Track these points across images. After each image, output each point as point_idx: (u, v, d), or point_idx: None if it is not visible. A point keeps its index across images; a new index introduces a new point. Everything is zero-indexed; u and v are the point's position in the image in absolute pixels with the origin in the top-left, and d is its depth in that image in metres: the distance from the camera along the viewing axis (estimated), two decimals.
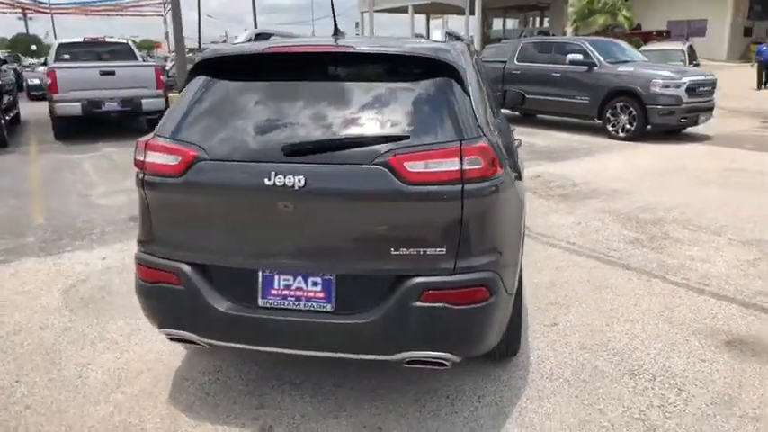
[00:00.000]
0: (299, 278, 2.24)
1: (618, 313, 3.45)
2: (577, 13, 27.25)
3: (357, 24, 46.85)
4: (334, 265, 2.21)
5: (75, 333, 3.30)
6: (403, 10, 40.16)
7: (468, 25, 34.78)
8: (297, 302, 2.24)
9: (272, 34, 11.49)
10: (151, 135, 2.40)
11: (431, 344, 2.19)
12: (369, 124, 2.19)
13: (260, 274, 2.27)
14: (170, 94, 11.35)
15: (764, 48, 17.98)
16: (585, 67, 10.41)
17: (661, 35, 24.20)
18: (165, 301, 2.37)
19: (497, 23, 50.33)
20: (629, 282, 3.91)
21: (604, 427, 2.42)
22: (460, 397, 2.64)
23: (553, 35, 35.19)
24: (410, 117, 2.19)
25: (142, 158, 2.33)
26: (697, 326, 3.28)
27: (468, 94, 2.26)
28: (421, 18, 47.91)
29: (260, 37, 11.27)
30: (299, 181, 2.07)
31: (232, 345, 2.42)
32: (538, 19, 50.26)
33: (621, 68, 10.18)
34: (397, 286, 2.15)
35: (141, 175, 2.34)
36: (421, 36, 2.89)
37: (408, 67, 2.32)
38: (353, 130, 2.17)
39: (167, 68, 17.78)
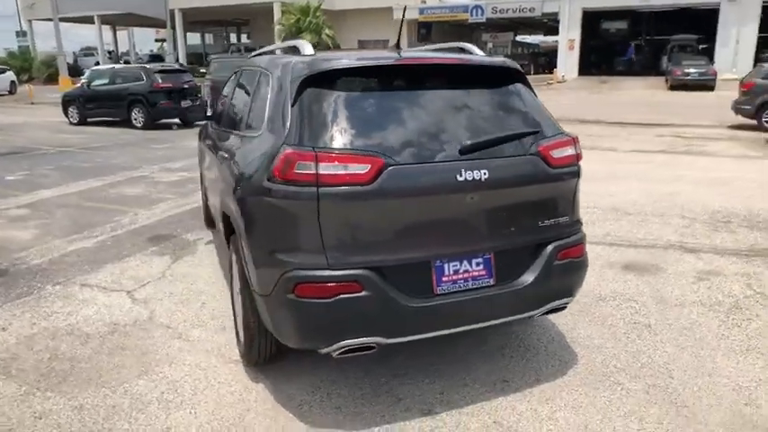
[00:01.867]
0: (465, 261, 2.52)
1: None
2: (286, 30, 29.00)
3: (19, 33, 39.91)
4: (494, 244, 2.57)
5: None
6: (88, 20, 36.03)
7: (174, 39, 33.31)
8: (465, 284, 2.52)
9: None
10: (289, 148, 2.32)
11: (565, 292, 2.76)
12: (501, 122, 2.62)
13: (433, 264, 2.47)
14: None
15: None
16: None
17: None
18: (348, 312, 2.32)
19: (193, 38, 49.23)
20: None
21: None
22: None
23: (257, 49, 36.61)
24: (523, 115, 2.70)
25: (313, 171, 2.24)
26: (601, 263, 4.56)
27: (536, 95, 2.88)
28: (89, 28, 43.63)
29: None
30: (484, 174, 2.39)
31: (414, 338, 2.51)
32: (234, 35, 51.03)
33: None
34: (540, 252, 2.65)
35: (312, 189, 2.25)
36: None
37: (497, 75, 2.81)
38: (500, 128, 2.57)
39: None
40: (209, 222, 5.42)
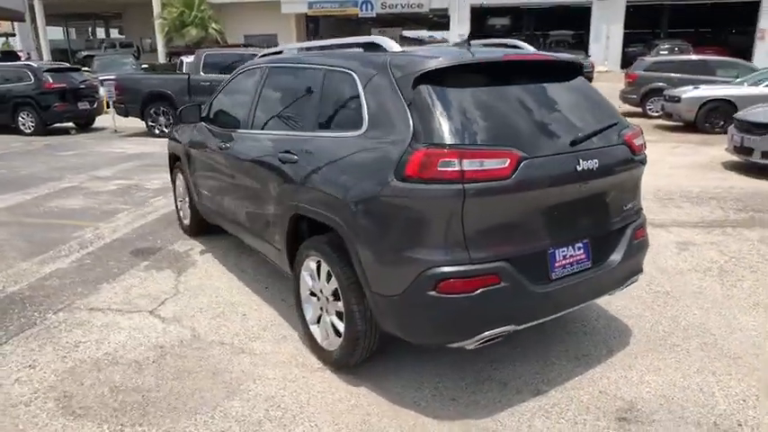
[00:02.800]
0: (570, 247, 2.69)
1: None
2: (170, 25, 27.31)
3: None
4: (591, 229, 2.77)
5: None
6: None
7: (36, 34, 29.95)
8: (571, 268, 2.69)
9: None
10: (423, 146, 2.34)
11: (639, 268, 3.05)
12: (590, 114, 2.83)
13: (548, 252, 2.61)
14: None
15: None
16: None
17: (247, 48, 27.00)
18: (489, 304, 2.39)
19: (54, 32, 44.67)
20: None
21: None
22: None
23: (137, 46, 34.03)
24: (600, 106, 2.94)
25: (458, 168, 2.27)
26: None
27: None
28: None
29: None
30: (595, 163, 2.58)
31: (537, 322, 2.64)
32: (102, 29, 47.01)
33: None
34: (623, 233, 2.90)
35: (458, 186, 2.28)
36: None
37: (572, 70, 3.01)
38: (593, 120, 2.77)
39: None
40: (194, 230, 5.11)
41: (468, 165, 2.30)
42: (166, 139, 5.62)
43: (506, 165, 2.35)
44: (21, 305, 3.84)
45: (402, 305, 2.48)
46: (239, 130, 3.85)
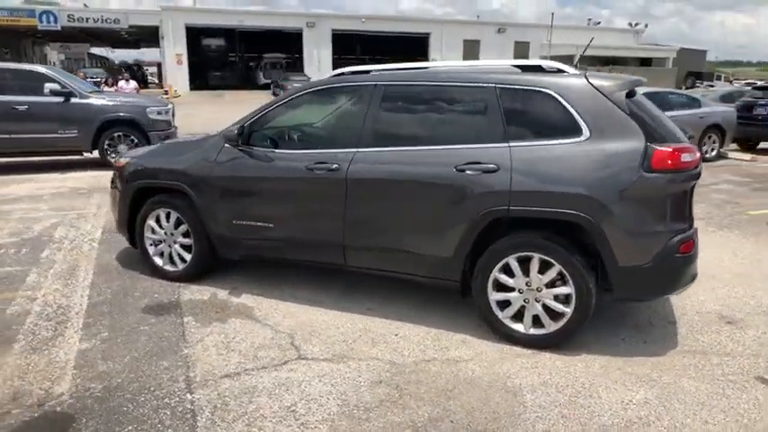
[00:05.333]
0: None
1: None
2: None
3: None
4: None
5: None
6: None
7: None
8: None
9: None
10: (661, 146, 3.07)
11: None
12: None
13: None
14: None
15: None
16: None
17: None
18: (693, 258, 3.28)
19: None
20: None
21: None
22: None
23: None
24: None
25: (693, 159, 3.14)
26: None
27: None
28: None
29: None
30: None
31: None
32: None
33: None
34: None
35: (694, 172, 3.16)
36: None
37: None
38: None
39: None
40: (192, 274, 4.35)
41: (685, 158, 3.13)
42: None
43: (697, 156, 3.24)
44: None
45: (650, 270, 3.12)
46: (347, 150, 3.68)
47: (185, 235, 4.31)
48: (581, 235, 3.23)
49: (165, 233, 4.39)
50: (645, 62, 37.28)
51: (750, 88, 16.12)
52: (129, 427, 2.61)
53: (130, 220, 4.53)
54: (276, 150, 3.94)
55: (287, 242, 3.98)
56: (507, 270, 3.37)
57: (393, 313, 3.86)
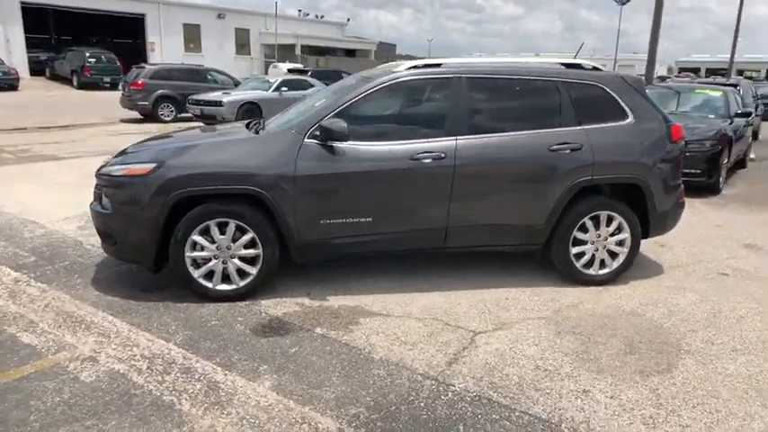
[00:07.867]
0: None
1: None
2: None
3: None
4: None
5: None
6: None
7: None
8: None
9: None
10: (674, 124, 4.37)
11: None
12: None
13: None
14: None
15: None
16: None
17: None
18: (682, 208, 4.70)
19: None
20: None
21: None
22: None
23: None
24: None
25: (683, 133, 4.46)
26: None
27: None
28: None
29: None
30: None
31: None
32: None
33: None
34: None
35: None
36: None
37: None
38: None
39: None
40: (252, 288, 3.95)
41: (682, 131, 4.52)
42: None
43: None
44: None
45: (669, 213, 4.42)
46: (448, 138, 3.95)
47: (248, 245, 3.84)
48: (635, 193, 4.31)
49: (219, 248, 3.81)
50: (350, 53, 41.42)
51: None
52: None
53: (161, 241, 3.77)
54: (369, 143, 3.89)
55: (386, 234, 4.00)
56: (582, 228, 4.25)
57: (480, 283, 4.32)
